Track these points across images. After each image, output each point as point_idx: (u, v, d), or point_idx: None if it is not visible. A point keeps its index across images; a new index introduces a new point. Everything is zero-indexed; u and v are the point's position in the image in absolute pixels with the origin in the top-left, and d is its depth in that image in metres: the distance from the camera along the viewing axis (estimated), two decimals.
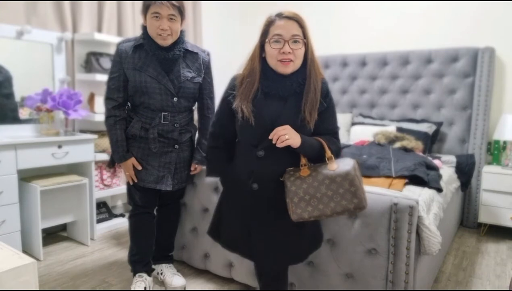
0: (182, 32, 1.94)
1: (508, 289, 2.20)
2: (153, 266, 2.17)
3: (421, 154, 2.79)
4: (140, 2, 1.88)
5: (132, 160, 1.96)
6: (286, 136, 1.38)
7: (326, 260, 1.81)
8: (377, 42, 3.74)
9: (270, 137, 1.42)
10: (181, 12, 1.87)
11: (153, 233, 2.10)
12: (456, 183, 2.75)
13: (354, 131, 3.43)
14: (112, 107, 1.94)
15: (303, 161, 1.47)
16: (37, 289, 1.16)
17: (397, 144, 2.80)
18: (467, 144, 3.24)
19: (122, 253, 2.57)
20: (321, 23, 4.02)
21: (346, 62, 3.83)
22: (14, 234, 2.33)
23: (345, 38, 3.92)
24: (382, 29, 3.70)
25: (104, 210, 3.11)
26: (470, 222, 3.23)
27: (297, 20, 1.44)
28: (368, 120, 3.55)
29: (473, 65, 3.20)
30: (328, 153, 1.47)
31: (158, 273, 2.17)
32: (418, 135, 3.05)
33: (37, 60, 2.75)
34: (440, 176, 2.33)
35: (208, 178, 2.12)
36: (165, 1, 1.79)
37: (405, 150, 2.74)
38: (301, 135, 1.43)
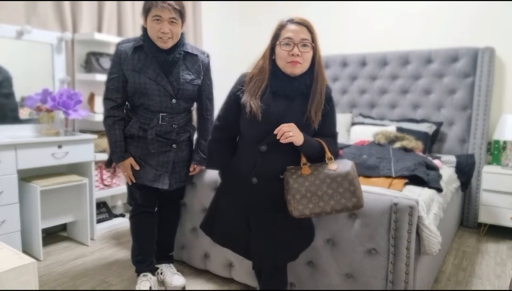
0: (182, 34, 1.94)
1: (508, 289, 2.20)
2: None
3: (421, 154, 2.79)
4: (140, 2, 1.87)
5: (130, 160, 1.96)
6: (290, 133, 1.46)
7: (326, 260, 1.81)
8: (377, 42, 3.74)
9: (275, 132, 1.48)
10: (182, 15, 1.87)
11: (155, 232, 2.11)
12: (456, 183, 2.75)
13: (354, 131, 3.43)
14: (110, 108, 1.94)
15: (304, 160, 1.54)
16: (37, 289, 1.16)
17: (397, 144, 2.80)
18: (467, 144, 3.24)
19: (122, 253, 2.57)
20: (321, 23, 4.02)
21: (346, 62, 3.83)
22: (14, 234, 2.33)
23: (345, 38, 3.92)
24: (382, 29, 3.70)
25: (104, 210, 3.11)
26: (470, 222, 3.23)
27: (307, 26, 1.52)
28: (368, 120, 3.55)
29: (473, 65, 3.20)
30: (328, 154, 1.55)
31: (158, 273, 2.18)
32: (418, 135, 3.05)
33: (37, 60, 2.75)
34: (440, 176, 2.33)
35: (208, 178, 2.13)
36: (167, 5, 1.79)
37: (405, 150, 2.74)
38: (304, 135, 1.50)
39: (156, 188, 1.99)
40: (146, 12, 1.85)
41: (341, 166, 1.52)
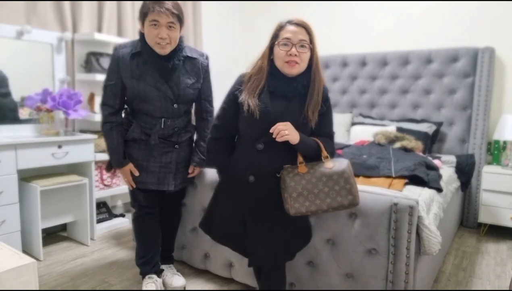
0: (181, 38, 1.89)
1: (508, 289, 2.20)
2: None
3: (421, 154, 2.79)
4: (141, 2, 1.85)
5: (130, 166, 1.94)
6: (286, 131, 1.48)
7: (326, 260, 1.81)
8: (377, 42, 3.74)
9: (271, 131, 1.50)
10: (180, 19, 1.82)
11: (159, 233, 2.10)
12: (456, 183, 2.75)
13: (354, 131, 3.43)
14: (108, 114, 1.91)
15: (300, 159, 1.56)
16: (37, 289, 1.16)
17: (397, 145, 2.80)
18: (467, 144, 3.24)
19: (122, 253, 2.57)
20: (321, 23, 4.02)
21: (346, 62, 3.83)
22: (14, 234, 2.33)
23: (345, 38, 3.92)
24: (382, 29, 3.70)
25: (104, 210, 3.11)
26: (470, 222, 3.23)
27: (306, 27, 1.55)
28: (368, 120, 3.55)
29: (473, 65, 3.20)
30: (325, 153, 1.57)
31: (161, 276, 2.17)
32: (418, 135, 3.05)
33: (37, 60, 2.75)
34: (440, 176, 2.33)
35: (208, 178, 2.13)
36: (164, 9, 1.73)
37: (405, 150, 2.74)
38: (300, 134, 1.52)
39: (161, 190, 1.99)
40: (143, 16, 1.79)
41: (337, 164, 1.54)
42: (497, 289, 2.21)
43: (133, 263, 2.34)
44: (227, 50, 4.46)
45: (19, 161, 2.33)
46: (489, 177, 2.99)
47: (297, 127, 1.53)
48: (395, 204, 1.64)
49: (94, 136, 2.72)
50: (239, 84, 1.64)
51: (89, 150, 2.69)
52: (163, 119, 1.92)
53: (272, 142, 1.53)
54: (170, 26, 1.78)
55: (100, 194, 2.94)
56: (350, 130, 3.50)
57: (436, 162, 2.68)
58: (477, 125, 3.17)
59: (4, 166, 2.26)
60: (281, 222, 1.60)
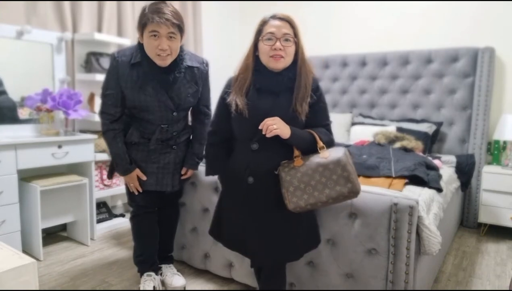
0: (181, 47, 1.85)
1: (508, 289, 2.20)
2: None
3: (421, 154, 2.79)
4: (141, 2, 1.81)
5: (137, 171, 1.93)
6: (275, 126, 1.46)
7: (326, 260, 1.81)
8: (377, 42, 3.74)
9: (260, 127, 1.48)
10: (181, 29, 1.76)
11: (157, 232, 2.10)
12: (456, 183, 2.75)
13: (354, 131, 3.43)
14: (110, 122, 1.89)
15: (296, 152, 1.54)
16: (37, 289, 1.16)
17: (397, 145, 2.80)
18: (467, 144, 3.24)
19: (122, 253, 2.57)
20: (321, 23, 4.02)
21: (346, 62, 3.83)
22: (14, 234, 2.33)
23: (345, 38, 3.92)
24: (382, 29, 3.70)
25: (104, 210, 3.11)
26: (470, 222, 3.23)
27: (289, 21, 1.55)
28: (368, 120, 3.55)
29: (473, 65, 3.20)
30: (320, 143, 1.54)
31: (159, 274, 2.17)
32: (418, 135, 3.04)
33: (37, 60, 2.75)
34: (440, 176, 2.33)
35: (208, 178, 2.12)
36: (164, 20, 1.66)
37: (405, 150, 2.74)
38: (291, 127, 1.51)
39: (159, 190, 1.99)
40: (142, 27, 1.72)
41: (333, 153, 1.51)
42: (497, 289, 2.21)
43: (133, 263, 2.34)
44: (227, 51, 4.46)
45: (19, 161, 2.33)
46: (489, 177, 2.99)
47: (287, 121, 1.51)
48: (395, 204, 1.64)
49: (94, 136, 2.72)
50: (228, 87, 1.64)
51: (89, 150, 2.69)
52: (162, 126, 1.91)
53: (266, 140, 1.52)
54: (171, 37, 1.72)
55: (100, 194, 2.94)
56: (350, 130, 3.50)
57: (436, 162, 2.68)
58: (477, 125, 3.17)
59: (4, 166, 2.26)
60: (284, 222, 1.58)
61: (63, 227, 2.92)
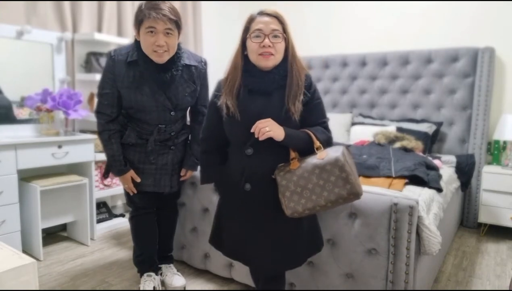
0: (179, 46, 1.83)
1: (508, 289, 2.20)
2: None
3: (421, 154, 2.79)
4: (141, 2, 1.80)
5: (131, 173, 1.92)
6: (267, 128, 1.39)
7: (326, 260, 1.81)
8: (377, 42, 3.73)
9: (252, 131, 1.42)
10: (178, 25, 1.74)
11: (156, 232, 2.10)
12: (456, 183, 2.75)
13: (354, 131, 3.43)
14: (105, 122, 1.87)
15: (293, 154, 1.47)
16: (37, 289, 1.16)
17: (397, 144, 2.80)
18: (467, 144, 3.24)
19: (122, 253, 2.57)
20: (321, 23, 4.02)
21: (346, 62, 3.83)
22: (14, 234, 2.33)
23: (345, 38, 3.92)
24: (382, 29, 3.70)
25: (104, 210, 3.11)
26: (470, 222, 3.23)
27: (277, 17, 1.47)
28: (368, 120, 3.55)
29: (473, 65, 3.20)
30: (317, 143, 1.46)
31: (158, 274, 2.17)
32: (418, 135, 3.04)
33: (37, 60, 2.75)
34: (440, 176, 2.33)
35: None
36: (161, 15, 1.64)
37: (405, 150, 2.74)
38: (284, 128, 1.44)
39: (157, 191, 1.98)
40: (138, 23, 1.71)
41: (331, 152, 1.42)
42: (497, 289, 2.21)
43: (132, 263, 2.34)
44: (227, 51, 4.45)
45: (19, 161, 2.33)
46: (489, 177, 2.99)
47: (281, 122, 1.43)
48: (395, 204, 1.64)
49: (94, 136, 2.72)
50: (218, 90, 1.56)
51: (89, 150, 2.69)
52: (159, 126, 1.89)
53: (261, 144, 1.44)
54: (168, 33, 1.70)
55: (100, 194, 2.94)
56: (350, 130, 3.50)
57: (436, 162, 2.68)
58: (477, 125, 3.17)
59: (4, 166, 2.26)
60: (285, 229, 1.50)
61: (63, 227, 2.92)
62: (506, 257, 2.67)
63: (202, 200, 2.18)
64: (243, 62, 1.50)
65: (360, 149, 2.75)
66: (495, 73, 3.21)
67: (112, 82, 1.82)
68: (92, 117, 2.90)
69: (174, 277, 2.11)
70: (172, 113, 1.88)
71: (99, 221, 2.98)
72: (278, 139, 1.42)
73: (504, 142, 3.21)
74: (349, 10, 3.87)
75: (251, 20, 1.49)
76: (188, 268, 2.33)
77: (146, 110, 1.84)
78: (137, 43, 1.79)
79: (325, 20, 4.00)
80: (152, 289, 1.99)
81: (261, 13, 1.48)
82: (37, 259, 2.43)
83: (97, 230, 2.86)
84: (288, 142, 1.45)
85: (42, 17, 2.78)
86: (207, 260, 2.22)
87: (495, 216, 3.01)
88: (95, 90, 3.08)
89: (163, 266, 2.18)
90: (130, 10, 3.35)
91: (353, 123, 3.57)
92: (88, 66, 2.99)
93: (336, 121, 3.54)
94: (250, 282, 2.05)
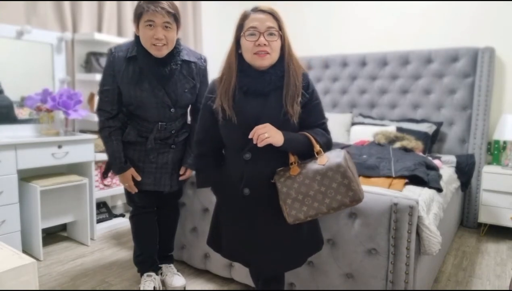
0: (178, 41, 1.83)
1: (508, 289, 2.20)
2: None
3: (421, 154, 2.79)
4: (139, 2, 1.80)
5: (131, 171, 1.91)
6: (266, 134, 1.34)
7: (326, 260, 1.81)
8: (377, 42, 3.73)
9: (249, 137, 1.37)
10: (176, 19, 1.75)
11: (156, 232, 2.10)
12: (456, 183, 2.75)
13: (354, 131, 3.43)
14: (106, 119, 1.87)
15: (292, 158, 1.42)
16: (37, 289, 1.16)
17: (397, 145, 2.80)
18: (467, 144, 3.24)
19: (122, 253, 2.57)
20: (321, 23, 4.02)
21: (346, 62, 3.83)
22: (14, 234, 2.33)
23: (345, 38, 3.92)
24: (382, 29, 3.70)
25: (104, 210, 3.11)
26: (470, 222, 3.23)
27: (272, 13, 1.42)
28: (368, 120, 3.55)
29: (473, 65, 3.20)
30: (317, 147, 1.41)
31: (158, 274, 2.17)
32: (418, 135, 3.05)
33: (37, 60, 2.75)
34: (440, 176, 2.33)
35: None
36: (159, 8, 1.66)
37: (405, 150, 2.74)
38: (283, 133, 1.39)
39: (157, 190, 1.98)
40: (137, 18, 1.72)
41: (332, 158, 1.38)
42: (497, 289, 2.21)
43: (133, 263, 2.34)
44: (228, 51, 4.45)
45: (19, 161, 2.33)
46: (489, 177, 2.99)
47: (279, 125, 1.39)
48: (395, 204, 1.64)
49: (94, 136, 2.72)
50: (211, 93, 1.49)
51: (89, 150, 2.69)
52: (159, 124, 1.89)
53: (259, 149, 1.39)
54: (166, 27, 1.71)
55: (100, 194, 2.94)
56: (350, 130, 3.50)
57: (436, 162, 2.68)
58: (477, 125, 3.17)
59: (4, 166, 2.26)
60: (284, 232, 1.47)
61: (63, 227, 2.92)
62: (506, 257, 2.67)
63: (202, 200, 2.18)
64: (238, 62, 1.44)
65: (360, 148, 2.75)
66: (495, 73, 3.21)
67: (112, 79, 1.83)
68: (92, 117, 2.90)
69: (174, 277, 2.11)
70: (172, 110, 1.88)
71: (99, 221, 2.98)
72: (277, 145, 1.37)
73: (504, 142, 3.21)
74: (349, 10, 3.87)
75: (245, 17, 1.43)
76: (188, 268, 2.33)
77: (146, 107, 1.84)
78: (137, 38, 1.80)
79: (325, 20, 4.00)
80: (152, 289, 1.99)
81: (256, 10, 1.42)
82: (37, 259, 2.43)
83: (97, 230, 2.86)
84: (287, 147, 1.40)
85: (42, 17, 2.78)
86: (207, 260, 2.22)
87: (495, 216, 3.01)
88: (95, 90, 3.09)
89: (163, 266, 2.18)
90: (130, 10, 3.35)
91: (353, 123, 3.57)
92: (88, 66, 2.99)
93: (336, 121, 3.54)
94: (250, 282, 2.05)
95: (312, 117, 1.48)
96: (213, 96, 1.47)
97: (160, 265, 2.18)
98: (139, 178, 1.93)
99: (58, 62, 2.85)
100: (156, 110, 1.85)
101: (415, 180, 2.12)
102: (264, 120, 1.39)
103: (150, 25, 1.70)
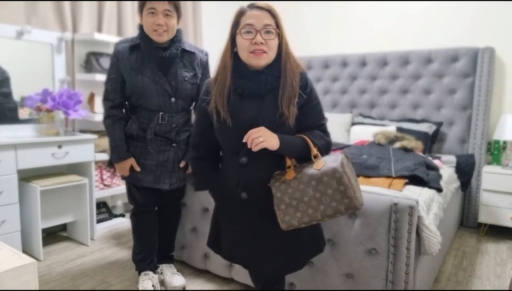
0: (179, 30, 1.93)
1: (508, 289, 2.20)
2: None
3: (421, 154, 2.79)
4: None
5: (131, 161, 1.95)
6: (261, 138, 1.29)
7: (326, 260, 1.81)
8: (377, 42, 3.73)
9: (244, 141, 1.32)
10: (177, 8, 1.87)
11: (156, 231, 2.11)
12: (456, 183, 2.75)
13: (354, 131, 3.43)
14: (109, 108, 1.95)
15: (289, 162, 1.37)
16: (37, 289, 1.16)
17: (397, 144, 2.80)
18: (467, 144, 3.24)
19: (122, 253, 2.57)
20: (321, 23, 4.02)
21: (346, 62, 3.83)
22: (14, 234, 2.33)
23: (345, 38, 3.92)
24: (382, 29, 3.70)
25: (104, 210, 3.11)
26: (470, 222, 3.23)
27: (269, 10, 1.36)
28: (368, 120, 3.55)
29: (473, 65, 3.20)
30: (314, 151, 1.36)
31: (158, 273, 2.17)
32: (418, 135, 3.05)
33: (37, 60, 2.75)
34: (440, 176, 2.33)
35: None
36: None
37: (405, 150, 2.74)
38: (279, 136, 1.34)
39: (157, 188, 1.99)
40: (141, 7, 1.85)
41: (329, 162, 1.32)
42: (497, 289, 2.21)
43: (132, 262, 2.35)
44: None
45: (19, 161, 2.33)
46: (489, 177, 2.99)
47: (275, 128, 1.34)
48: (395, 204, 1.64)
49: (94, 136, 2.72)
50: (206, 94, 1.44)
51: (89, 150, 2.69)
52: (160, 114, 1.92)
53: (255, 153, 1.33)
54: (167, 14, 1.83)
55: (100, 194, 2.94)
56: (350, 130, 3.50)
57: (436, 162, 2.68)
58: (477, 125, 3.17)
59: (4, 166, 2.26)
60: (284, 235, 1.41)
61: (63, 227, 2.92)
62: (506, 257, 2.67)
63: (202, 200, 2.18)
64: (233, 61, 1.39)
65: (360, 149, 2.75)
66: (495, 73, 3.21)
67: (116, 67, 1.91)
68: (92, 117, 2.90)
69: (174, 277, 2.11)
70: (173, 99, 1.92)
71: (99, 221, 2.98)
72: (273, 149, 1.32)
73: (504, 142, 3.21)
74: (349, 10, 3.87)
75: (241, 13, 1.38)
76: (188, 268, 2.33)
77: (147, 95, 1.89)
78: (140, 28, 1.89)
79: (325, 20, 4.00)
80: (151, 287, 2.00)
81: (252, 6, 1.37)
82: (37, 259, 2.42)
83: (97, 230, 2.86)
84: (283, 151, 1.35)
85: (42, 17, 2.78)
86: (207, 260, 2.22)
87: (495, 216, 3.01)
88: (95, 90, 3.10)
89: (164, 266, 2.18)
90: (130, 10, 3.35)
91: (353, 123, 3.57)
92: (88, 66, 2.99)
93: (336, 121, 3.54)
94: (250, 282, 2.05)
95: (310, 118, 1.43)
96: (208, 98, 1.43)
97: (160, 265, 2.18)
98: (138, 169, 1.95)
99: (58, 62, 2.85)
100: (156, 98, 1.89)
101: (415, 180, 2.12)
102: (260, 123, 1.34)
103: (152, 13, 1.81)
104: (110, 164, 2.09)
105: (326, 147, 1.44)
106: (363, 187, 1.80)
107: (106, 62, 3.01)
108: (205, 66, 2.04)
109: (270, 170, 1.39)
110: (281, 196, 1.32)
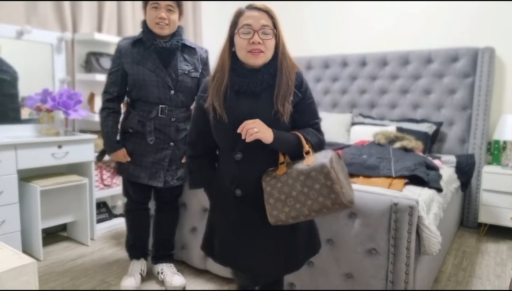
0: (180, 27, 2.01)
1: (508, 289, 2.20)
2: (154, 265, 2.22)
3: (421, 154, 2.79)
4: (140, 2, 1.93)
5: (123, 151, 2.01)
6: (255, 129, 1.30)
7: (326, 260, 1.81)
8: (377, 42, 3.73)
9: (238, 131, 1.33)
10: (179, 5, 1.95)
11: (149, 225, 2.22)
12: (456, 183, 2.75)
13: (354, 131, 3.43)
14: (106, 100, 2.02)
15: (282, 158, 1.39)
16: (37, 289, 1.16)
17: (397, 145, 2.80)
18: (467, 144, 3.24)
19: (122, 253, 2.57)
20: (321, 23, 4.02)
21: (346, 62, 3.83)
22: (14, 234, 2.33)
23: (345, 38, 3.92)
24: (382, 29, 3.70)
25: (104, 210, 3.11)
26: (470, 222, 3.23)
27: (267, 11, 1.40)
28: (368, 120, 3.55)
29: (473, 65, 3.20)
30: (306, 147, 1.38)
31: (158, 273, 2.18)
32: (418, 135, 3.05)
33: (37, 60, 2.75)
34: (440, 176, 2.33)
35: None
36: None
37: (405, 150, 2.74)
38: (274, 131, 1.35)
39: (152, 185, 2.03)
40: (145, 3, 1.93)
41: (319, 158, 1.33)
42: (497, 289, 2.21)
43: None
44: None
45: (19, 161, 2.33)
46: (489, 177, 2.99)
47: (270, 124, 1.35)
48: (395, 204, 1.64)
49: (94, 136, 2.72)
50: (204, 92, 1.46)
51: (89, 150, 2.69)
52: (160, 106, 1.96)
53: (250, 149, 1.37)
54: (170, 9, 1.91)
55: (100, 194, 2.94)
56: (350, 130, 3.50)
57: (436, 162, 2.68)
58: (477, 125, 3.17)
59: (4, 166, 2.26)
60: (280, 235, 1.42)
61: (63, 227, 2.92)
62: (506, 257, 2.67)
63: (202, 200, 2.18)
64: (231, 60, 1.42)
65: (360, 149, 2.75)
66: (495, 73, 3.21)
67: (118, 60, 1.98)
68: (92, 117, 2.90)
69: (174, 276, 2.11)
70: (172, 92, 1.96)
71: (99, 221, 2.98)
72: (267, 141, 1.33)
73: (504, 142, 3.21)
74: (349, 10, 3.87)
75: (239, 14, 1.42)
76: (188, 268, 2.33)
77: (147, 86, 1.94)
78: (143, 24, 1.97)
79: (325, 20, 4.00)
80: (139, 270, 2.14)
81: (250, 7, 1.40)
82: (37, 259, 2.43)
83: (97, 230, 2.86)
84: (277, 145, 1.37)
85: (42, 17, 2.78)
86: (207, 260, 2.22)
87: (495, 216, 3.01)
88: (95, 90, 3.10)
89: (164, 266, 2.18)
90: (130, 10, 3.35)
91: (353, 123, 3.57)
92: (88, 66, 2.99)
93: (336, 121, 3.54)
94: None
95: (304, 116, 1.45)
96: (205, 95, 1.45)
97: (160, 265, 2.19)
98: (128, 159, 2.01)
99: (58, 62, 2.85)
100: (156, 90, 1.94)
101: (415, 180, 2.12)
102: (254, 118, 1.36)
103: (156, 7, 1.90)
104: (100, 157, 2.16)
105: (319, 144, 1.45)
106: (363, 187, 1.81)
107: (106, 62, 3.01)
108: (205, 62, 2.09)
109: (265, 167, 1.40)
110: (270, 190, 1.34)
